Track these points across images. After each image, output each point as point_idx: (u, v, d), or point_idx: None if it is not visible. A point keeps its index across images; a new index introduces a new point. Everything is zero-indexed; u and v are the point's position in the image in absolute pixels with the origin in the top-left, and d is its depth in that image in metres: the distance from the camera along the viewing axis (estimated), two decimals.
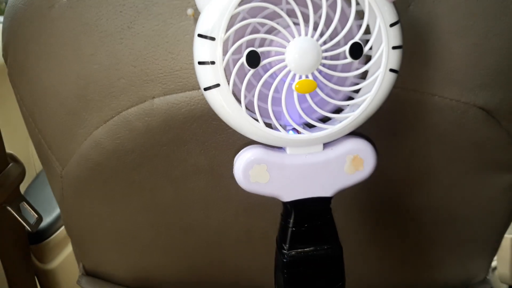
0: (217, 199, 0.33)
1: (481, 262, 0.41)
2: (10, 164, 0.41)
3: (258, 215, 0.34)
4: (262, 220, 0.34)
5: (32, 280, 0.51)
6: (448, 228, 0.36)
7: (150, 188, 0.33)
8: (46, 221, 0.62)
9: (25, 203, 0.40)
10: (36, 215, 0.42)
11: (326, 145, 0.24)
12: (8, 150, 0.46)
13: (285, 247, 0.25)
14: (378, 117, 0.27)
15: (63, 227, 0.68)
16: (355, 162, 0.23)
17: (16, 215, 0.38)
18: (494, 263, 0.80)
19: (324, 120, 0.23)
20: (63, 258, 0.66)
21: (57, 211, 0.66)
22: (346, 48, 0.20)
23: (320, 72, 0.21)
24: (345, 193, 0.33)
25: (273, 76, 0.21)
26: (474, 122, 0.28)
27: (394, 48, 0.21)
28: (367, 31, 0.21)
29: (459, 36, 0.26)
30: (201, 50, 0.21)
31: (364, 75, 0.22)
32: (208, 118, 0.28)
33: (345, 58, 0.21)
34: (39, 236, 0.63)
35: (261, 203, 0.33)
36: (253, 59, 0.21)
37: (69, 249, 0.68)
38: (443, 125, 0.28)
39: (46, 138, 0.33)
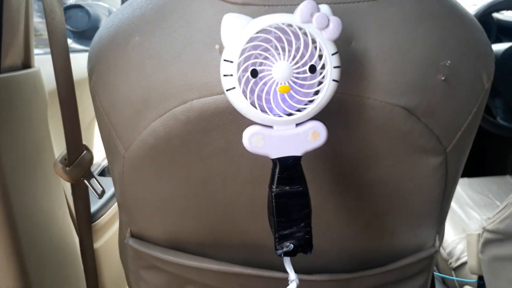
0: (231, 173, 0.40)
1: (429, 230, 0.46)
2: (84, 152, 0.53)
3: (259, 186, 0.40)
4: (262, 191, 0.39)
5: (93, 250, 0.61)
6: (397, 200, 0.43)
7: (186, 164, 0.39)
8: (93, 208, 0.71)
9: (95, 179, 0.53)
10: (101, 188, 0.54)
11: (297, 124, 0.34)
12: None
13: (273, 186, 0.35)
14: (335, 115, 0.36)
15: (105, 215, 0.76)
16: (314, 134, 0.33)
17: (89, 186, 0.51)
18: (465, 258, 0.89)
19: (297, 110, 0.33)
20: (104, 241, 0.74)
21: (100, 202, 0.75)
22: (307, 67, 0.32)
23: (294, 82, 0.33)
24: (317, 172, 0.40)
25: (265, 83, 0.32)
26: (399, 117, 0.36)
27: (335, 67, 0.32)
28: (321, 58, 0.33)
29: (384, 61, 0.35)
30: (225, 68, 0.31)
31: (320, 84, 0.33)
32: (226, 113, 0.36)
33: (307, 73, 0.33)
34: None
35: (261, 175, 0.39)
36: (254, 73, 0.32)
37: (109, 234, 0.76)
38: (378, 119, 0.36)
39: (116, 130, 0.40)
